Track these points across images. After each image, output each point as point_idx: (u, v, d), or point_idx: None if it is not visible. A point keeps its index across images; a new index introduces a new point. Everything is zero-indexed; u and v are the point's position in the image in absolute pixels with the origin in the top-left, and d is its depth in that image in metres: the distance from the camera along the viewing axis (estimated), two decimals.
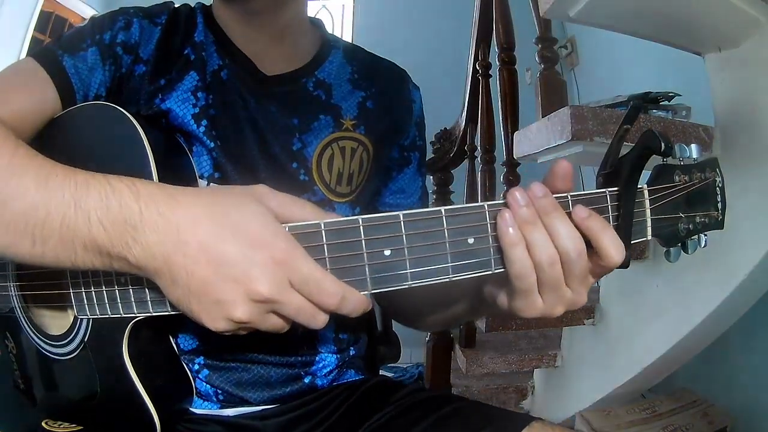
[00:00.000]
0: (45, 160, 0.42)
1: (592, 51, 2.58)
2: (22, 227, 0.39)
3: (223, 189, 0.41)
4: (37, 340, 0.58)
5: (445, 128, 1.93)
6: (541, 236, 0.39)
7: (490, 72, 1.65)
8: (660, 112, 1.13)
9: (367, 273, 0.39)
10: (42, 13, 2.67)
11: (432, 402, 0.62)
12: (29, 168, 0.40)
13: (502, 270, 0.41)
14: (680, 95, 1.15)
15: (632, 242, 0.42)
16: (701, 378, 1.51)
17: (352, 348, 0.72)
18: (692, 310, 1.11)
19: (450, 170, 1.89)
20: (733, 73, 1.01)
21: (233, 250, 0.37)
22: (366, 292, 0.39)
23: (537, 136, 1.07)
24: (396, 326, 0.84)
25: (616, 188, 0.42)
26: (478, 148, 1.64)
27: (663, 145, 0.40)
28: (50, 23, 2.77)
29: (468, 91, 1.76)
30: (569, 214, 0.40)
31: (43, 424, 0.58)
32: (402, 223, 0.38)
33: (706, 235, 0.46)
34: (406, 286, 0.39)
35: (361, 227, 0.38)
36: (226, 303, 0.37)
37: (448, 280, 0.40)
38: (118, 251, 0.38)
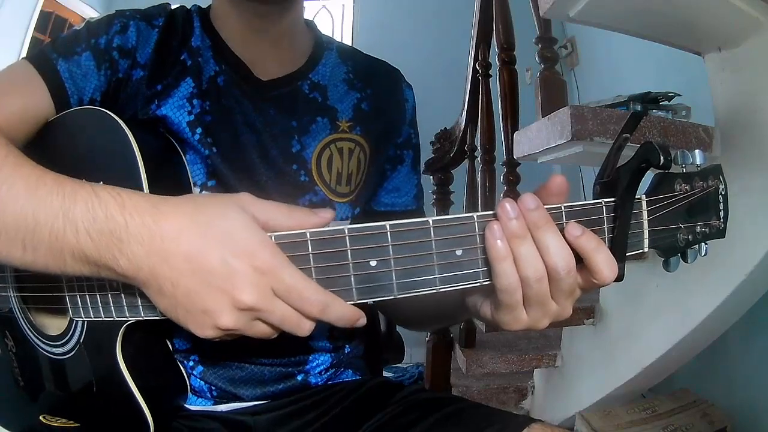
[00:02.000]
0: (35, 167, 0.42)
1: (592, 51, 2.57)
2: (12, 234, 0.40)
3: (207, 197, 0.41)
4: (36, 339, 0.59)
5: (445, 128, 1.93)
6: (530, 251, 0.38)
7: (490, 72, 1.64)
8: (660, 112, 1.12)
9: (353, 283, 0.38)
10: (42, 13, 2.67)
11: (431, 403, 0.62)
12: (19, 176, 0.41)
13: (490, 282, 0.40)
14: (680, 95, 1.14)
15: (628, 255, 0.40)
16: (701, 378, 1.50)
17: (347, 347, 0.71)
18: (692, 310, 1.11)
19: (450, 170, 1.89)
20: (733, 73, 1.00)
21: (217, 260, 0.37)
22: (352, 302, 0.39)
23: (537, 136, 1.06)
24: (397, 326, 0.85)
25: (612, 199, 0.40)
26: (478, 148, 1.64)
27: (662, 158, 0.38)
28: (50, 23, 2.78)
29: (468, 91, 1.76)
30: (562, 229, 0.39)
31: (41, 418, 0.58)
32: (389, 233, 0.38)
33: (706, 244, 0.44)
34: (392, 297, 0.39)
35: (347, 237, 0.38)
36: (211, 312, 0.38)
37: (435, 291, 0.39)
38: (105, 261, 0.38)
